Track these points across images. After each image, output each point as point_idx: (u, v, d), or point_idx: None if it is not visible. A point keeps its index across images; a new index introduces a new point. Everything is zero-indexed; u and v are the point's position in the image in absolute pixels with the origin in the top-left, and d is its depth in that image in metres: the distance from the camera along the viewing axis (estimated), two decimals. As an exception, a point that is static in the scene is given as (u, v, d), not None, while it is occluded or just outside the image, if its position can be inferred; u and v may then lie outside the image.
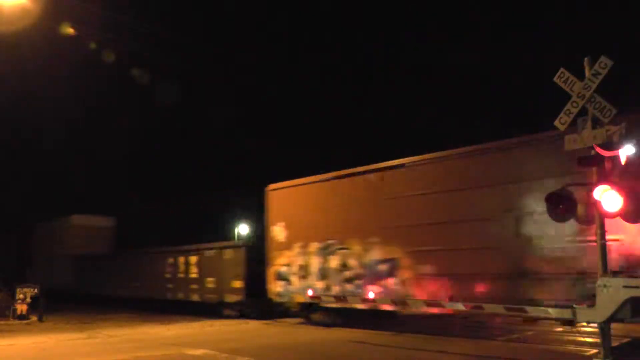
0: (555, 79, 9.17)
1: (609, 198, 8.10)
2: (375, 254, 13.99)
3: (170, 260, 22.60)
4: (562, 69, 9.14)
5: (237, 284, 18.84)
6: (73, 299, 27.79)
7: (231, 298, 19.06)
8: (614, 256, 9.30)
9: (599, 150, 8.58)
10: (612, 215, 8.24)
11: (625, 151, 8.38)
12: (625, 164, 8.43)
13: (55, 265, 32.60)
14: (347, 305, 14.28)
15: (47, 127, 39.05)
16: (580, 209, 8.72)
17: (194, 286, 21.09)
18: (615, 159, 8.50)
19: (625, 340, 10.37)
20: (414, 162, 13.73)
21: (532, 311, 10.39)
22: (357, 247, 14.50)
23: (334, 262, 15.06)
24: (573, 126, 9.03)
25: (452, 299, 11.72)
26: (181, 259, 22.05)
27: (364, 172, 14.89)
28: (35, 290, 19.35)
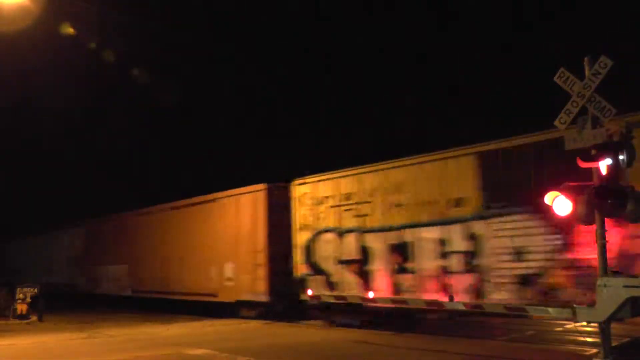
0: (555, 78, 9.19)
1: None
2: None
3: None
4: (562, 69, 9.16)
5: None
6: (72, 298, 27.87)
7: None
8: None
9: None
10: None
11: (606, 162, 8.47)
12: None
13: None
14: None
15: (47, 126, 39.02)
16: (580, 209, 8.72)
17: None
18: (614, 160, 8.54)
19: (625, 340, 10.37)
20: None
21: (532, 311, 10.44)
22: None
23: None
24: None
25: (451, 299, 11.75)
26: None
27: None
28: (35, 290, 19.36)
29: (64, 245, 30.66)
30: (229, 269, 18.14)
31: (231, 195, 18.74)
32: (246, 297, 17.20)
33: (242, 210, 17.99)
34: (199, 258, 19.73)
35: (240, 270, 17.63)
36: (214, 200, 19.47)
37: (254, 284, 16.83)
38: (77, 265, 28.96)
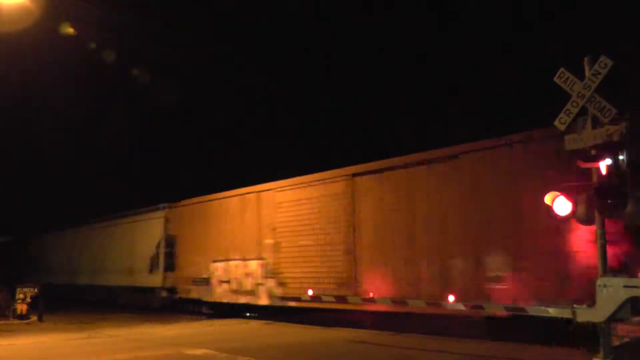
0: (555, 78, 9.21)
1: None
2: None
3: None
4: (562, 69, 9.17)
5: None
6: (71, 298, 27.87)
7: None
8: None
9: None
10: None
11: (606, 162, 8.49)
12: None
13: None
14: (347, 306, 14.32)
15: (47, 126, 39.05)
16: (580, 209, 8.73)
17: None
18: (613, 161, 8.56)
19: (626, 340, 10.36)
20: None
21: (532, 311, 10.42)
22: None
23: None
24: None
25: (451, 298, 11.73)
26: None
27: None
28: (35, 290, 19.37)
29: (142, 237, 23.96)
30: (493, 263, 11.37)
31: (486, 148, 11.68)
32: (534, 309, 10.48)
33: (518, 164, 11.05)
34: (423, 245, 12.60)
35: (520, 264, 10.91)
36: (454, 156, 12.22)
37: (558, 287, 10.26)
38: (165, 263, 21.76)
